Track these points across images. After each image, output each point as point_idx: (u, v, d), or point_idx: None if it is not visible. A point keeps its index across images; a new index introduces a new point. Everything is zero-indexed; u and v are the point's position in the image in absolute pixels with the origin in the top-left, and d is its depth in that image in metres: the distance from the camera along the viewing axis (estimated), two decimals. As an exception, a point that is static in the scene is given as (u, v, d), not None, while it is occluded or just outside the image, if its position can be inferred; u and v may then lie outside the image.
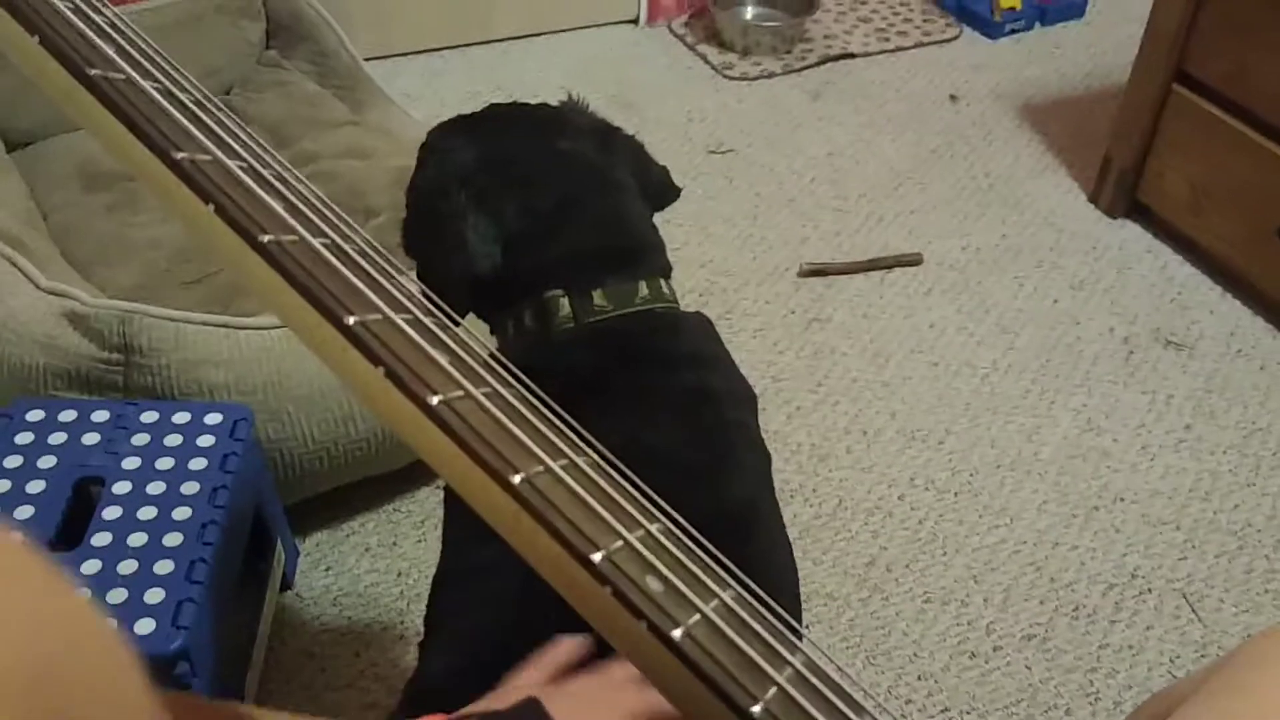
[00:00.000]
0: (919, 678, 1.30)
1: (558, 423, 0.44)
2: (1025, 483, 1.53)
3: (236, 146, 0.46)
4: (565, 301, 0.89)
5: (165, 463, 1.13)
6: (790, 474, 1.52)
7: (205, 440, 1.16)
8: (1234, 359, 1.75)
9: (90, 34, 0.46)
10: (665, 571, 0.39)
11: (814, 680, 0.41)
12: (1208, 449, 1.60)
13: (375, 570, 1.37)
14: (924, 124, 2.25)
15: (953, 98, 2.33)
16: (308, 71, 1.85)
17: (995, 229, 1.99)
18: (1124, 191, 1.99)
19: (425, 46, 2.37)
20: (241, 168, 0.44)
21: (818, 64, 2.42)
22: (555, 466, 0.40)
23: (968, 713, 1.27)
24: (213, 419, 1.18)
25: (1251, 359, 1.75)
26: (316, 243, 0.43)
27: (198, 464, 1.14)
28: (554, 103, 1.04)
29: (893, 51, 2.48)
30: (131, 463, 1.13)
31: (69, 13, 0.46)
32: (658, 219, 1.02)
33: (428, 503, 1.43)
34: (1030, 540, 1.46)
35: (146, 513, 1.09)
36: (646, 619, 0.37)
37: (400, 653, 1.28)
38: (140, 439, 1.16)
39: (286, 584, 1.33)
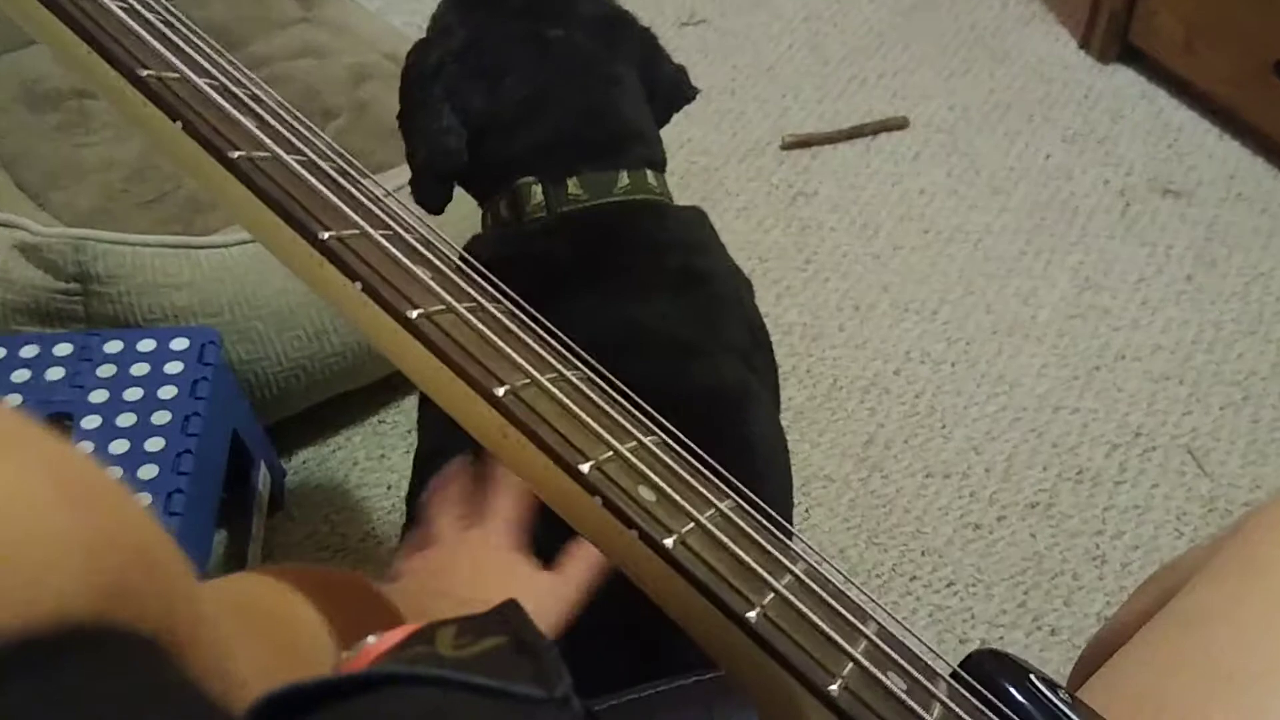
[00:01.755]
0: (923, 553, 1.28)
1: (545, 336, 0.43)
2: (1023, 348, 1.50)
3: (206, 65, 0.45)
4: (537, 189, 0.86)
5: (133, 393, 1.10)
6: (783, 356, 1.47)
7: (173, 367, 1.12)
8: (1234, 203, 1.70)
9: None
10: (658, 481, 0.39)
11: (815, 586, 0.41)
12: (1209, 299, 1.56)
13: (365, 484, 1.34)
14: (904, -22, 2.15)
15: (933, -52, 2.23)
16: (252, -32, 1.75)
17: (983, 85, 1.91)
18: (1115, 35, 1.91)
19: (377, -68, 2.26)
20: (212, 85, 0.43)
21: (790, -78, 2.31)
22: (542, 379, 0.40)
23: (973, 585, 1.26)
24: (179, 344, 1.14)
25: (1252, 202, 1.70)
26: (291, 159, 0.42)
27: (167, 392, 1.10)
28: None
29: (868, -97, 2.37)
30: (99, 396, 1.09)
31: None
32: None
33: (414, 412, 1.39)
34: (1030, 406, 1.43)
35: (118, 446, 1.05)
36: (638, 528, 0.37)
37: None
38: (106, 370, 1.12)
39: (277, 505, 1.31)
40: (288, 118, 0.46)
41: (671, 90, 1.00)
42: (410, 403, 1.42)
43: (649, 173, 0.89)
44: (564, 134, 0.89)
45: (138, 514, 0.26)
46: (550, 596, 0.59)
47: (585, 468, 0.38)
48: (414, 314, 0.39)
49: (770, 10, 2.08)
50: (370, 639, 0.34)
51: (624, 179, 0.87)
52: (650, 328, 0.78)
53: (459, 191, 0.95)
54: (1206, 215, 1.68)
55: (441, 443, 0.80)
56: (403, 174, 1.00)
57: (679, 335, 0.79)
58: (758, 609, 0.37)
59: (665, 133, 0.99)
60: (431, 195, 0.92)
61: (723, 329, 0.82)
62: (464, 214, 0.97)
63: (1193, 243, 1.64)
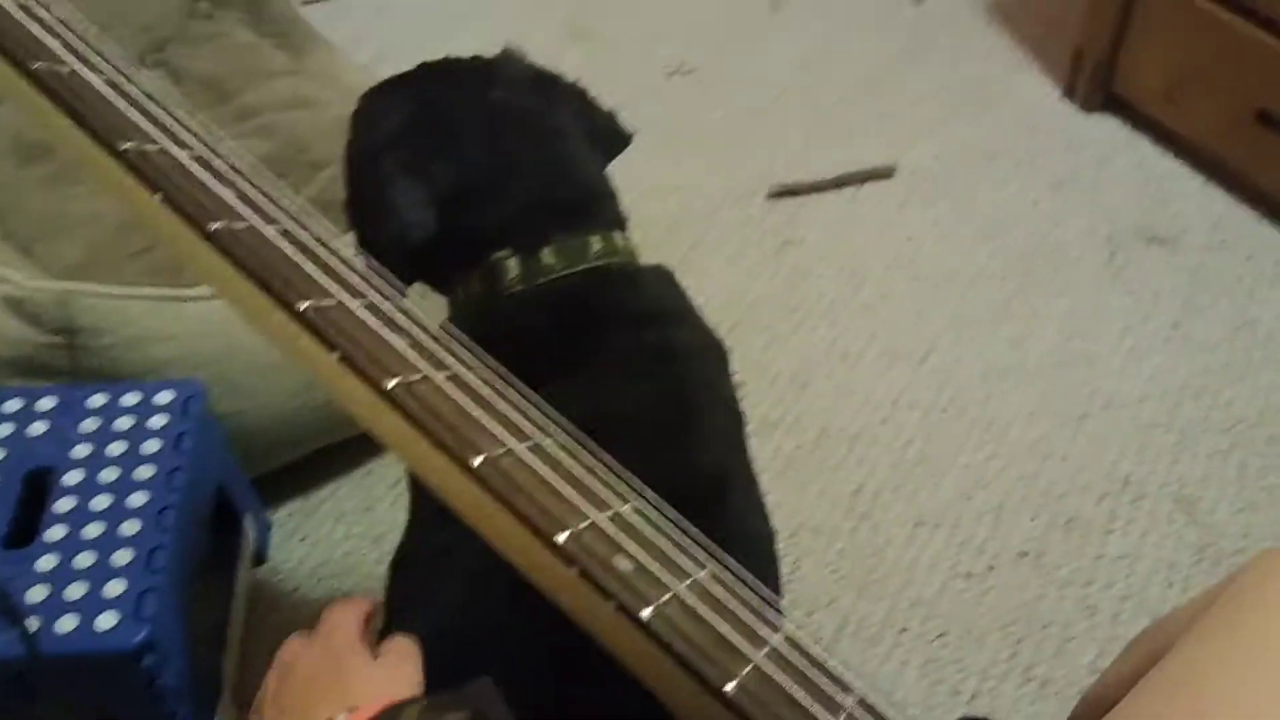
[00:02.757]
0: (913, 604, 1.27)
1: (523, 404, 0.43)
2: (1012, 395, 1.50)
3: (186, 137, 0.46)
4: (513, 263, 0.84)
5: (117, 447, 1.09)
6: (770, 405, 1.48)
7: (157, 420, 1.11)
8: (1219, 250, 1.71)
9: (36, 30, 0.45)
10: (636, 551, 0.39)
11: (793, 658, 0.40)
12: (1196, 346, 1.56)
13: (351, 537, 1.33)
14: (889, 27, 2.18)
15: (918, -2, 2.26)
16: (242, 20, 1.77)
17: (969, 132, 1.93)
18: (1098, 84, 1.93)
19: (368, -16, 2.28)
20: (191, 156, 0.44)
21: (777, -27, 2.34)
22: (519, 448, 0.40)
23: (965, 636, 1.25)
24: (164, 397, 1.13)
25: (1236, 249, 1.71)
26: (269, 229, 0.43)
27: (151, 446, 1.09)
28: (489, 54, 0.98)
29: (853, -46, 2.40)
30: (82, 450, 1.09)
31: (15, 11, 0.46)
32: (618, 158, 0.97)
33: (400, 463, 1.39)
34: (1020, 454, 1.43)
35: (101, 502, 1.04)
36: (615, 599, 0.37)
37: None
38: (89, 424, 1.11)
39: (261, 559, 1.30)
40: (266, 186, 0.46)
41: (609, 137, 0.98)
42: (397, 454, 1.41)
43: (617, 234, 0.88)
44: (533, 200, 0.87)
45: None
46: (389, 680, 0.59)
47: (562, 538, 0.38)
48: (391, 384, 0.39)
49: (757, 61, 2.10)
50: (340, 718, 0.34)
51: (596, 244, 0.85)
52: (625, 416, 0.76)
53: None
54: (1192, 262, 1.69)
55: (423, 547, 0.79)
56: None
57: (654, 422, 0.77)
58: (735, 681, 0.36)
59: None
60: (402, 274, 0.90)
61: (698, 412, 0.81)
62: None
63: (1179, 290, 1.64)
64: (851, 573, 1.30)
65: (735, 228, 1.75)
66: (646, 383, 0.80)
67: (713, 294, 1.60)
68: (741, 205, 1.79)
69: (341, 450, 1.37)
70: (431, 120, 0.89)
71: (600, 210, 0.88)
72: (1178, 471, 1.40)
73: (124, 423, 1.11)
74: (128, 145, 0.42)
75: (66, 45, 0.46)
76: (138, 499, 1.05)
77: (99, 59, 0.47)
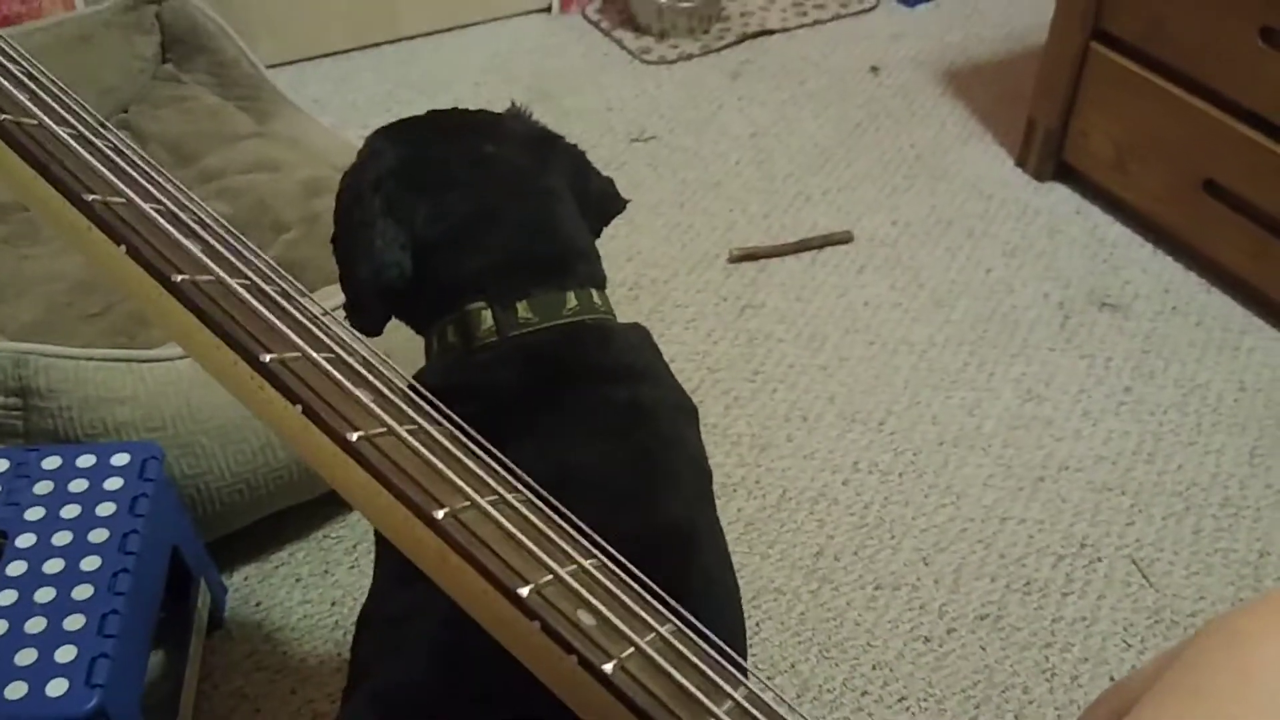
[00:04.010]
0: (874, 667, 1.27)
1: (488, 459, 0.43)
2: (969, 458, 1.51)
3: (153, 190, 0.46)
4: (488, 314, 0.84)
5: (71, 510, 1.08)
6: (732, 467, 1.49)
7: (113, 483, 1.10)
8: (1169, 316, 1.74)
9: (3, 82, 0.46)
10: (598, 605, 0.39)
11: (756, 713, 0.40)
12: (1148, 410, 1.59)
13: (308, 601, 1.32)
14: (846, 98, 2.22)
15: (874, 69, 2.31)
16: (207, 83, 1.78)
17: (924, 201, 1.97)
18: (1050, 154, 1.98)
19: (331, 50, 2.30)
20: (157, 210, 0.44)
21: (736, 42, 2.39)
22: (483, 502, 0.40)
23: (924, 700, 1.25)
24: (120, 459, 1.12)
25: (1187, 315, 1.74)
26: (234, 283, 0.43)
27: (105, 509, 1.08)
28: (498, 109, 0.99)
29: (811, 25, 2.45)
30: (35, 513, 1.07)
31: None
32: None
33: (359, 526, 1.38)
34: (978, 517, 1.44)
35: (53, 565, 1.03)
36: (577, 653, 0.37)
37: (337, 686, 1.23)
38: (43, 487, 1.09)
39: (217, 623, 1.28)
40: (233, 241, 0.47)
41: (602, 201, 0.99)
42: (356, 517, 1.40)
43: (594, 292, 0.88)
44: (512, 252, 0.87)
45: None
46: None
47: (524, 591, 0.37)
48: (354, 436, 0.39)
49: (718, 128, 2.13)
50: None
51: (571, 300, 0.85)
52: (593, 473, 0.76)
53: None
54: (1143, 328, 1.72)
55: (389, 604, 0.78)
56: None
57: (622, 480, 0.78)
58: None
59: (614, 245, 0.99)
60: (371, 315, 0.90)
61: (665, 468, 0.81)
62: (412, 335, 0.96)
63: (1130, 354, 1.67)
64: (812, 636, 1.30)
65: (695, 291, 1.77)
66: (614, 438, 0.80)
67: (673, 357, 1.61)
68: (701, 270, 1.81)
69: (298, 514, 1.36)
70: (421, 166, 0.90)
71: (579, 267, 0.89)
72: (1133, 534, 1.42)
73: (78, 485, 1.10)
74: (93, 198, 0.42)
75: (34, 98, 0.46)
76: (91, 563, 1.03)
77: (67, 113, 0.47)
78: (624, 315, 0.91)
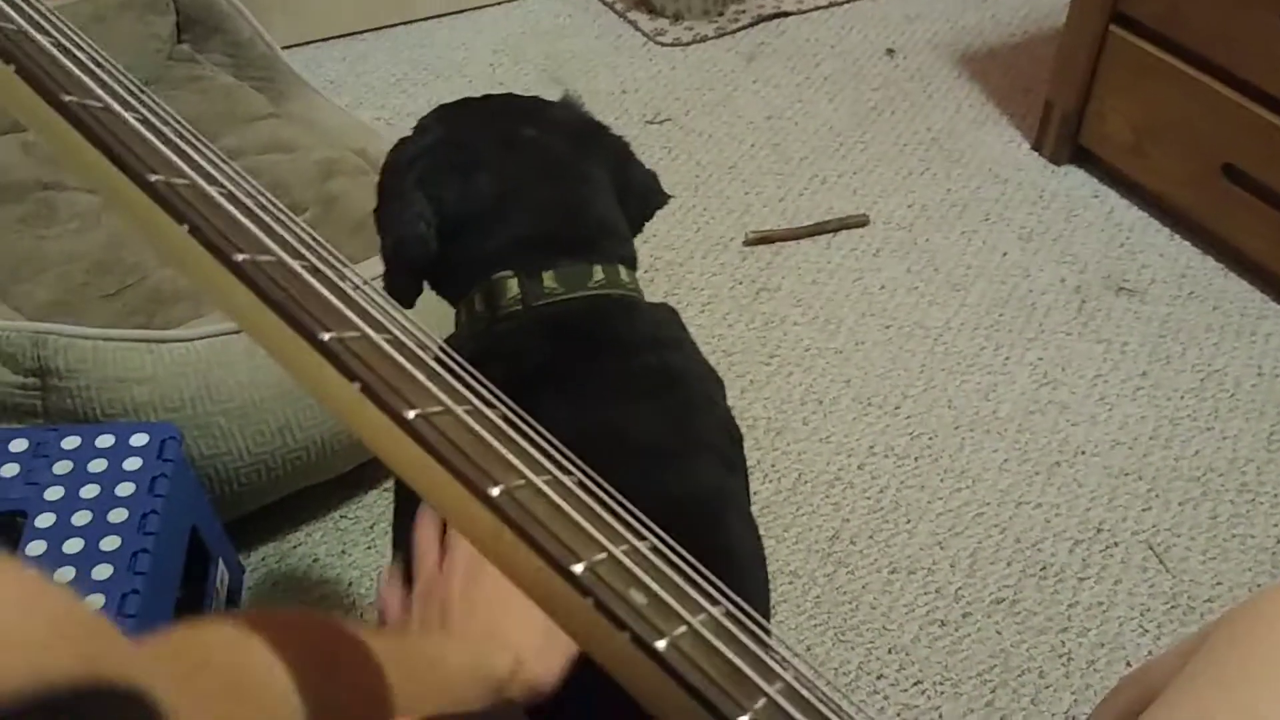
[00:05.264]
0: (889, 651, 1.28)
1: (539, 440, 0.43)
2: (985, 443, 1.51)
3: (215, 173, 0.47)
4: (513, 283, 0.86)
5: (90, 490, 1.08)
6: (748, 450, 1.47)
7: (131, 463, 1.11)
8: (1186, 301, 1.73)
9: (71, 67, 0.46)
10: (651, 584, 0.39)
11: (806, 694, 0.40)
12: (1165, 395, 1.58)
13: (326, 581, 1.32)
14: (862, 80, 2.21)
15: (890, 51, 2.30)
16: (223, 64, 1.78)
17: (940, 184, 1.96)
18: (1067, 137, 1.96)
19: (346, 30, 2.30)
20: (221, 193, 0.44)
21: (751, 24, 2.37)
22: (537, 480, 0.40)
23: (940, 683, 1.25)
24: (138, 440, 1.13)
25: (1204, 300, 1.73)
26: (294, 263, 0.43)
27: (124, 489, 1.08)
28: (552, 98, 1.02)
29: (827, 7, 2.44)
30: (54, 493, 1.08)
31: (51, 47, 0.47)
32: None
33: (375, 507, 1.39)
34: (993, 501, 1.44)
35: (72, 545, 1.03)
36: (629, 629, 0.37)
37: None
38: (62, 467, 1.10)
39: (234, 603, 1.28)
40: (290, 224, 0.47)
41: (644, 194, 1.00)
42: (372, 497, 1.41)
43: (621, 268, 0.89)
44: (539, 229, 0.89)
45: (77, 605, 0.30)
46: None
47: (578, 569, 0.38)
48: (411, 414, 0.40)
49: (733, 110, 2.12)
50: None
51: (598, 273, 0.87)
52: (623, 433, 0.77)
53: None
54: (1160, 313, 1.71)
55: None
56: (370, 267, 1.00)
57: (653, 440, 0.79)
58: (750, 714, 0.37)
59: (642, 230, 1.00)
60: (402, 286, 0.92)
61: (697, 431, 0.82)
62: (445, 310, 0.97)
63: (1147, 339, 1.67)
64: (828, 619, 1.30)
65: (710, 275, 1.76)
66: (643, 401, 0.81)
67: (689, 340, 1.61)
68: (716, 253, 1.80)
69: (316, 494, 1.36)
70: (460, 145, 0.92)
71: (607, 245, 0.90)
72: (1149, 519, 1.42)
73: (97, 465, 1.10)
74: (157, 179, 0.42)
75: (101, 83, 0.47)
76: (110, 543, 1.04)
77: (132, 98, 0.48)
78: (644, 291, 0.92)
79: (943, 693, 1.24)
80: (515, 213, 0.89)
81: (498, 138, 0.93)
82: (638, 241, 0.98)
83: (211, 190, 0.44)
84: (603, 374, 0.82)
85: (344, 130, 1.65)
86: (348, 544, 1.36)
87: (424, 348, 0.44)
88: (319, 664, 0.46)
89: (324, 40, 2.28)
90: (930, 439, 1.52)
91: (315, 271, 0.44)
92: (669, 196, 1.03)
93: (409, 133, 0.97)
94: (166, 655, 0.43)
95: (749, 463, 1.46)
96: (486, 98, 1.01)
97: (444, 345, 0.47)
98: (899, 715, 1.22)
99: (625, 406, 0.80)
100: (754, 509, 1.40)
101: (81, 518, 1.05)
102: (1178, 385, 1.60)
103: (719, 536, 0.76)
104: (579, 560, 0.38)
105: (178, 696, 0.34)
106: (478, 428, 0.41)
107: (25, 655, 0.26)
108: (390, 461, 0.40)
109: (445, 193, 0.89)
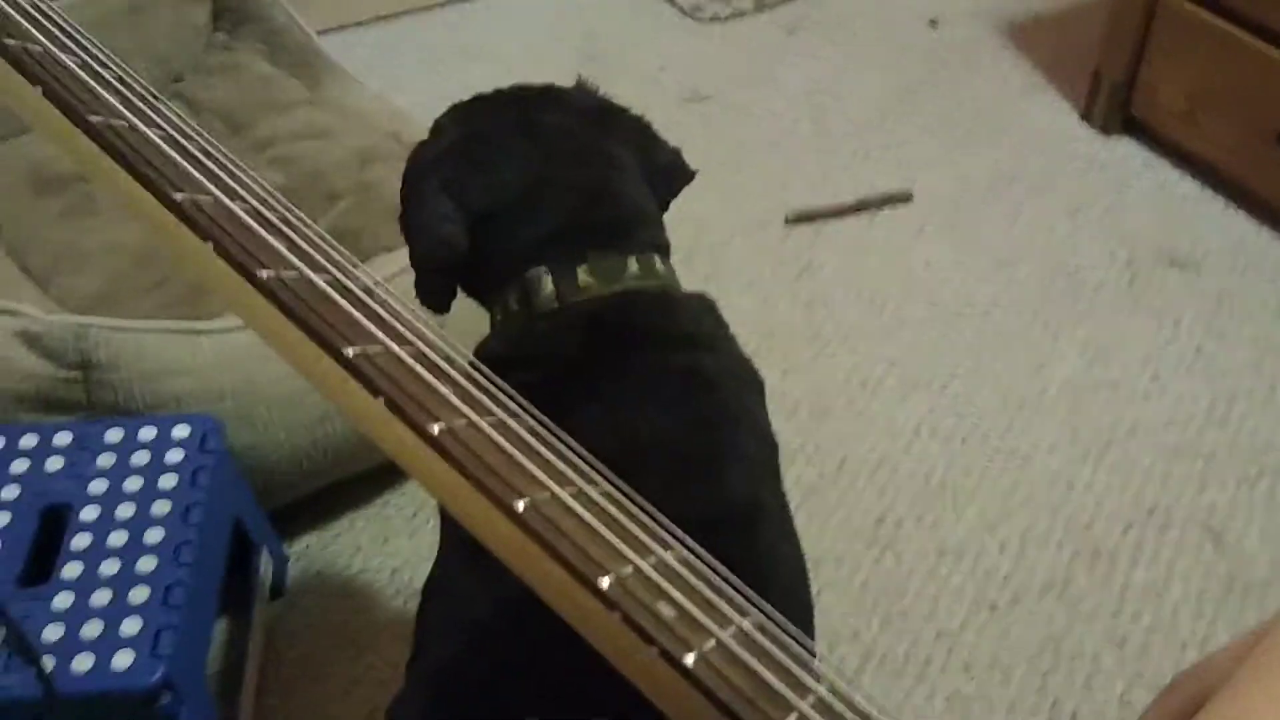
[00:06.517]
0: (937, 636, 1.26)
1: (566, 451, 0.43)
2: (1034, 423, 1.48)
3: (239, 189, 0.47)
4: (548, 280, 0.84)
5: (134, 483, 1.08)
6: (790, 434, 1.47)
7: (174, 455, 1.11)
8: (1242, 274, 1.69)
9: (96, 85, 0.47)
10: (679, 597, 0.38)
11: (839, 707, 0.39)
12: (1220, 371, 1.54)
13: (368, 569, 1.32)
14: (905, 53, 2.17)
15: (932, 23, 2.25)
16: (259, 51, 1.77)
17: (986, 157, 1.92)
18: (1117, 107, 1.92)
19: (378, 14, 2.29)
20: (244, 209, 0.45)
21: (791, -2, 2.34)
22: (563, 494, 0.40)
23: (991, 669, 1.23)
24: (180, 432, 1.13)
25: (1260, 272, 1.69)
26: (318, 278, 0.44)
27: (168, 481, 1.08)
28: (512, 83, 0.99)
29: (867, -21, 2.40)
30: (98, 486, 1.08)
31: (76, 67, 0.47)
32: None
33: (417, 495, 1.39)
34: (1043, 483, 1.41)
35: (117, 538, 1.04)
36: (658, 644, 0.36)
37: (400, 653, 1.23)
38: (106, 460, 1.10)
39: (278, 593, 1.29)
40: (315, 238, 0.47)
41: (670, 171, 0.98)
42: (413, 486, 1.40)
43: (656, 259, 0.87)
44: (570, 219, 0.87)
45: None
46: None
47: (605, 583, 0.37)
48: (436, 429, 0.39)
49: (772, 86, 2.10)
50: None
51: (633, 265, 0.85)
52: (656, 443, 0.76)
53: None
54: (1214, 286, 1.67)
55: (451, 580, 0.79)
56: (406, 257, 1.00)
57: (685, 450, 0.77)
58: None
59: (668, 209, 0.98)
60: (434, 292, 0.91)
61: (730, 441, 0.80)
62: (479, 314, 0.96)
63: (1201, 314, 1.63)
64: (874, 604, 1.29)
65: (752, 254, 1.74)
66: (677, 408, 0.79)
67: (729, 322, 1.59)
68: (757, 232, 1.78)
69: (358, 483, 1.36)
70: (479, 141, 0.90)
71: (639, 233, 0.88)
72: (1205, 500, 1.38)
73: (140, 458, 1.10)
74: (181, 196, 0.43)
75: (125, 101, 0.47)
76: (154, 535, 1.04)
77: (155, 115, 0.48)
78: (679, 281, 0.90)
79: (993, 679, 1.22)
80: (544, 203, 0.87)
81: (517, 128, 0.91)
82: (675, 223, 0.96)
83: (234, 206, 0.44)
84: (635, 377, 0.80)
85: (379, 115, 1.64)
86: (390, 532, 1.36)
87: (450, 360, 0.44)
88: None
89: (359, 25, 2.27)
90: (978, 420, 1.49)
91: (338, 285, 0.44)
92: (694, 172, 1.00)
93: (433, 128, 0.95)
94: None
95: (792, 445, 1.45)
96: (498, 91, 0.98)
97: (473, 359, 0.46)
98: (948, 701, 1.20)
99: (656, 414, 0.78)
100: (797, 493, 1.39)
101: (125, 510, 1.06)
102: (1234, 361, 1.56)
103: (751, 552, 0.74)
104: (606, 574, 0.37)
105: None
106: (503, 441, 0.40)
107: None
108: (416, 475, 0.40)
109: (470, 190, 0.87)
